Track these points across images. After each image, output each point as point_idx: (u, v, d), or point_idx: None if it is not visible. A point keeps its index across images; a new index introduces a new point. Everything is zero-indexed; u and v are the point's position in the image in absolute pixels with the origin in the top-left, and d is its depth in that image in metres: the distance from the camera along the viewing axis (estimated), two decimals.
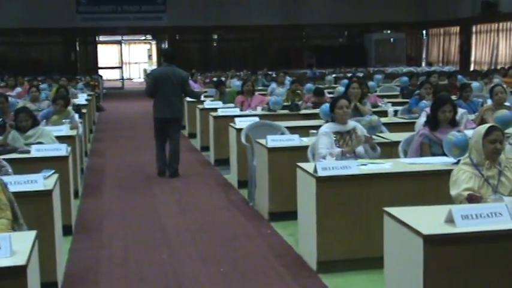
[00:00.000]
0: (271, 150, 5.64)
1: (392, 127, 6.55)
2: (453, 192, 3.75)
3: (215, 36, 26.24)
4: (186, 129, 11.41)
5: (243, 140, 6.53)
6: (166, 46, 25.85)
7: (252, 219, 5.82)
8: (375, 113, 6.87)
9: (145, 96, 8.12)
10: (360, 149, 5.08)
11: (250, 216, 5.92)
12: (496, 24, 21.79)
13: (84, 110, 9.48)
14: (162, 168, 7.78)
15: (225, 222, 5.81)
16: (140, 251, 5.03)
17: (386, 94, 11.01)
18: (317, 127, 5.56)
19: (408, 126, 6.61)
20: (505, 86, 7.51)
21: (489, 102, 7.12)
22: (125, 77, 28.21)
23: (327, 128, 5.20)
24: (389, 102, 8.65)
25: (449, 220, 3.08)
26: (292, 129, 6.46)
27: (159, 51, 27.24)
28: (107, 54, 29.45)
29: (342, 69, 21.01)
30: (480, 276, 3.06)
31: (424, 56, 26.99)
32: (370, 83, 10.53)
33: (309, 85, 10.28)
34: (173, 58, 7.87)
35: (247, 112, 8.30)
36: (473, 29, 23.30)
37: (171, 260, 4.78)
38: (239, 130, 6.81)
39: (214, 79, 15.05)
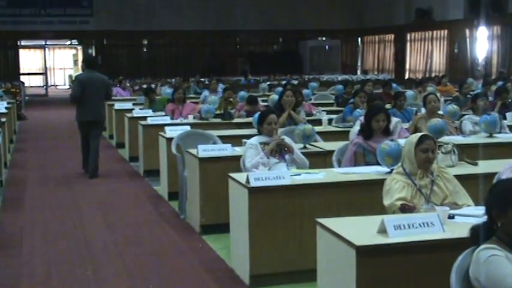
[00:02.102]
0: (203, 161, 5.50)
1: (326, 136, 6.53)
2: (386, 202, 3.76)
3: (145, 42, 25.64)
4: (114, 138, 11.10)
5: (173, 149, 6.37)
6: (93, 51, 25.16)
7: (183, 233, 5.67)
8: (309, 121, 6.84)
9: (72, 101, 8.39)
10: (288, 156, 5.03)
11: (181, 230, 5.77)
12: (430, 32, 22.16)
13: (3, 119, 9.06)
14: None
15: (154, 236, 5.64)
16: (63, 267, 4.81)
17: (321, 102, 11.02)
18: (250, 136, 5.49)
19: (342, 135, 6.61)
20: (438, 94, 7.61)
21: (423, 110, 7.19)
22: (49, 84, 27.25)
23: (254, 140, 5.16)
24: (324, 110, 8.65)
25: (382, 230, 3.08)
26: (225, 139, 6.35)
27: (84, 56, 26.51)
28: (29, 59, 28.46)
29: (276, 76, 20.96)
30: (413, 287, 3.05)
31: (359, 63, 27.20)
32: (305, 91, 10.50)
33: (242, 93, 10.18)
34: (95, 64, 8.56)
35: (178, 121, 8.14)
36: (408, 37, 23.55)
37: (96, 276, 4.59)
38: (169, 139, 6.64)
39: (144, 86, 14.68)
